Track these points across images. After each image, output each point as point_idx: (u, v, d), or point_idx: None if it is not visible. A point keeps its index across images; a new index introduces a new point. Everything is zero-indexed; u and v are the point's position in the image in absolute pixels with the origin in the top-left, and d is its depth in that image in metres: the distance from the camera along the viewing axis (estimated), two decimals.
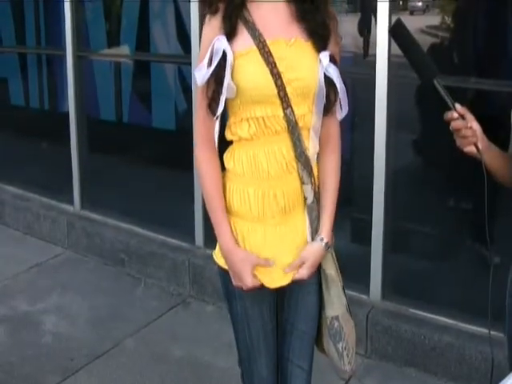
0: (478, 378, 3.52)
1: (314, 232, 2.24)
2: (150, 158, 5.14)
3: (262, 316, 2.29)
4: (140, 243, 4.89)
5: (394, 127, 3.79)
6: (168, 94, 4.93)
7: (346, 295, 2.36)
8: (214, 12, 2.11)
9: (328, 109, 2.17)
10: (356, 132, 3.82)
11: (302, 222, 2.23)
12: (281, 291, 2.29)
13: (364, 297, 3.96)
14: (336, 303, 2.31)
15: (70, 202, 5.44)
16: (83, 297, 4.60)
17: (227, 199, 2.21)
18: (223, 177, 2.23)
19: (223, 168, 2.23)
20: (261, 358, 2.32)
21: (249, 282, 2.16)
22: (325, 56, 2.11)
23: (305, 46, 2.12)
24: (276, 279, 2.21)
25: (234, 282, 2.20)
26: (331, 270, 2.30)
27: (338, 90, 2.13)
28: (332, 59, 2.12)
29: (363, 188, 3.91)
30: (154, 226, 4.93)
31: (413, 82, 3.67)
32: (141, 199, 5.08)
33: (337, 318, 2.31)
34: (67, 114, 5.36)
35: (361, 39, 4.06)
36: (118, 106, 5.25)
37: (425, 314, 3.84)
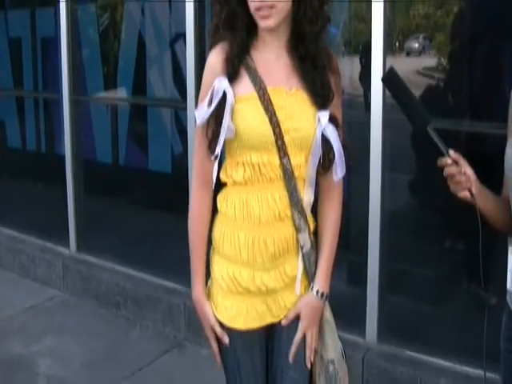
0: None
1: (312, 276, 2.25)
2: (146, 200, 5.14)
3: (252, 360, 2.29)
4: (136, 286, 4.87)
5: (389, 168, 3.80)
6: (164, 137, 4.96)
7: (340, 340, 2.35)
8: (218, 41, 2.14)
9: (324, 167, 2.17)
10: (351, 174, 3.82)
11: (293, 269, 2.23)
12: (271, 335, 2.30)
13: (359, 339, 3.93)
14: (331, 346, 2.30)
15: (66, 244, 5.42)
16: (78, 340, 4.57)
17: (218, 241, 2.24)
18: (216, 218, 2.26)
19: (216, 209, 2.25)
20: None
21: (209, 334, 2.27)
22: (323, 116, 2.11)
23: (305, 98, 2.13)
24: (262, 317, 2.23)
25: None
26: (326, 311, 2.30)
27: (335, 152, 2.13)
28: (331, 118, 2.13)
29: (358, 230, 3.93)
30: (149, 269, 4.91)
31: (408, 123, 3.75)
32: (137, 242, 5.08)
33: (332, 361, 2.30)
34: (64, 157, 5.38)
35: (357, 81, 4.09)
36: (114, 148, 5.27)
37: (421, 356, 3.80)
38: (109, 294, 4.98)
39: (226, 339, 2.24)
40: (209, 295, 2.29)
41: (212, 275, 2.28)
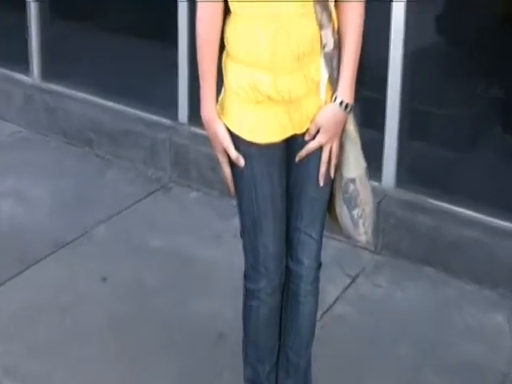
0: (506, 278, 3.42)
1: (335, 83, 2.22)
2: (125, 23, 4.80)
3: (270, 179, 2.28)
4: (112, 120, 4.66)
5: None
6: None
7: (364, 158, 2.37)
8: None
9: None
10: (372, 3, 3.82)
11: (318, 72, 2.20)
12: (290, 152, 2.29)
13: (375, 184, 3.71)
14: (352, 164, 2.31)
15: (28, 71, 5.10)
16: (44, 180, 4.38)
17: (232, 44, 2.21)
18: (228, 20, 2.22)
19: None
20: (268, 228, 2.30)
21: (221, 158, 2.28)
22: None
23: None
24: (284, 128, 2.23)
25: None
26: (349, 124, 2.28)
27: None
28: None
29: (378, 66, 3.79)
30: (128, 100, 4.67)
31: None
32: (114, 70, 4.82)
33: (353, 180, 2.31)
34: None
35: None
36: None
37: (446, 205, 3.72)
38: (80, 129, 4.74)
39: (241, 161, 2.23)
40: (221, 111, 2.27)
41: (225, 85, 2.26)
